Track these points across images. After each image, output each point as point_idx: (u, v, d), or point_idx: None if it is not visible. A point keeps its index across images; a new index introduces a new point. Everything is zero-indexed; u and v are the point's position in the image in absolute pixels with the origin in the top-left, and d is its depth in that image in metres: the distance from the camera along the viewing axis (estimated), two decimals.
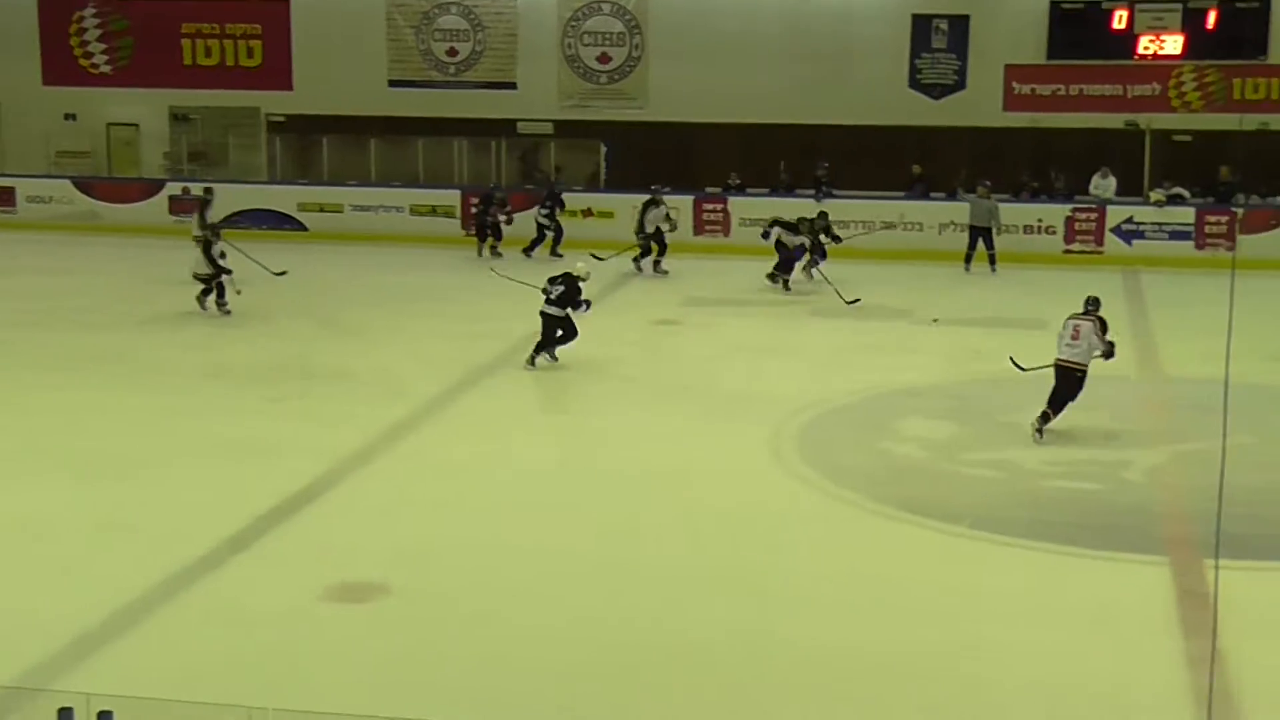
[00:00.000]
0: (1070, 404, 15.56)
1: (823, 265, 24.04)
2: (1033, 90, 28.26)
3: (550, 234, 27.00)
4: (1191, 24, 27.15)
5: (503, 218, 27.17)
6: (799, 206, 26.86)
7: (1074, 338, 15.60)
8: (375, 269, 26.67)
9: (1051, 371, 15.68)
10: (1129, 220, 26.57)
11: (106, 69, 32.96)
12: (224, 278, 21.65)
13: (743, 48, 28.93)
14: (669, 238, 25.32)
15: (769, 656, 10.52)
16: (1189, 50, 27.35)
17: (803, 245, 23.83)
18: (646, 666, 10.22)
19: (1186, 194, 26.75)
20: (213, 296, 21.78)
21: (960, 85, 28.64)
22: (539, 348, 18.69)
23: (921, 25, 28.69)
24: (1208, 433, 13.90)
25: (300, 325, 21.79)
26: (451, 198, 29.39)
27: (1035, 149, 28.06)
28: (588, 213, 27.96)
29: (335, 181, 31.02)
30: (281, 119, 31.96)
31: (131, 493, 13.79)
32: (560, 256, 26.15)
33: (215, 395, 17.74)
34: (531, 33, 30.78)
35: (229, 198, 28.89)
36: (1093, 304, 15.81)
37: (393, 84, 31.42)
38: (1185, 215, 26.40)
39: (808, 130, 28.43)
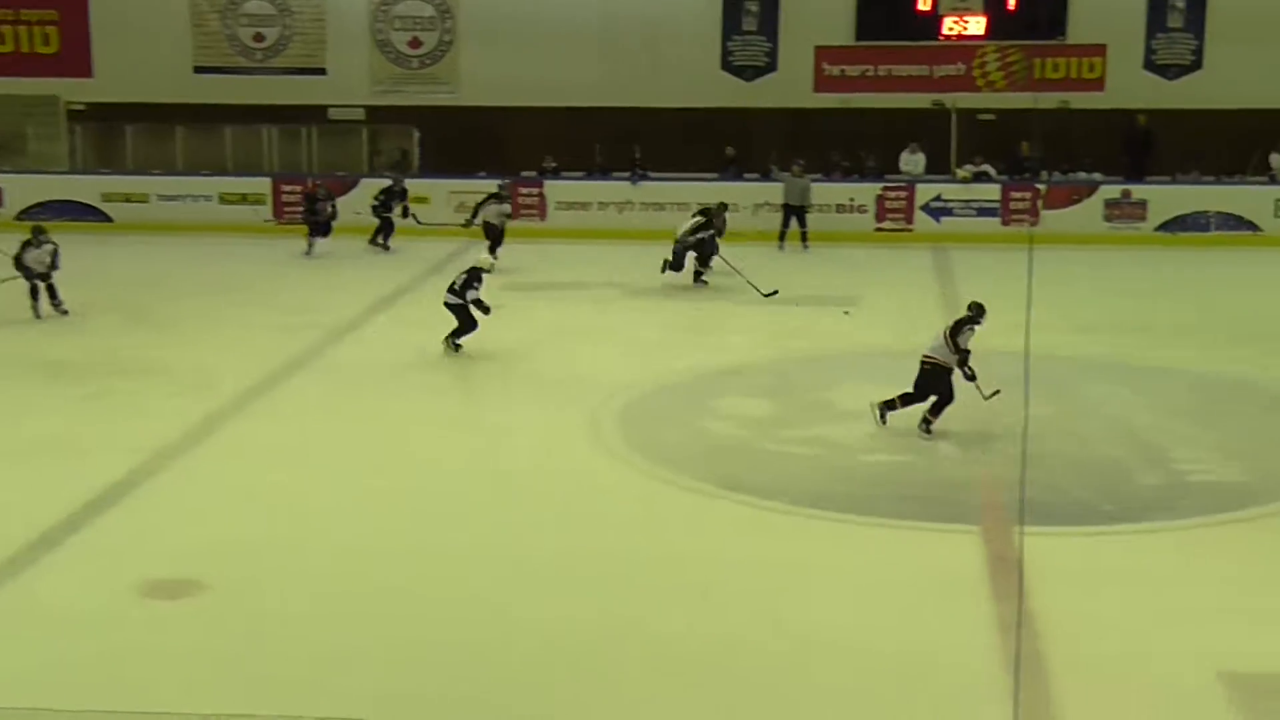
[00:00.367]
0: (941, 402, 15.40)
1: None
2: (842, 71, 28.74)
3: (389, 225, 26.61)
4: (993, 5, 27.84)
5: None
6: (615, 189, 27.14)
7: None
8: (185, 260, 26.27)
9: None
10: (937, 198, 27.21)
11: None
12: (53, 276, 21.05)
13: (555, 32, 28.97)
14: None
15: (592, 637, 10.65)
16: (991, 31, 28.02)
17: (713, 235, 23.44)
18: (472, 652, 10.30)
19: (992, 171, 27.45)
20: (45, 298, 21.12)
21: (771, 67, 29.02)
22: (454, 334, 18.74)
23: (732, 8, 28.99)
24: (1016, 404, 14.36)
25: (109, 320, 21.42)
26: (262, 185, 29.03)
27: (846, 129, 28.51)
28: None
29: (140, 171, 30.37)
30: (82, 107, 31.24)
31: None
32: (380, 245, 26.05)
33: (21, 393, 17.38)
34: (340, 17, 30.48)
35: (29, 189, 28.22)
36: (972, 309, 15.63)
37: (198, 70, 30.88)
38: (991, 192, 27.11)
39: (622, 113, 28.57)
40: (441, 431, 15.96)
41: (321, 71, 30.60)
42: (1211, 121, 27.27)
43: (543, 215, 27.78)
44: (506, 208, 24.56)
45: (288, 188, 28.17)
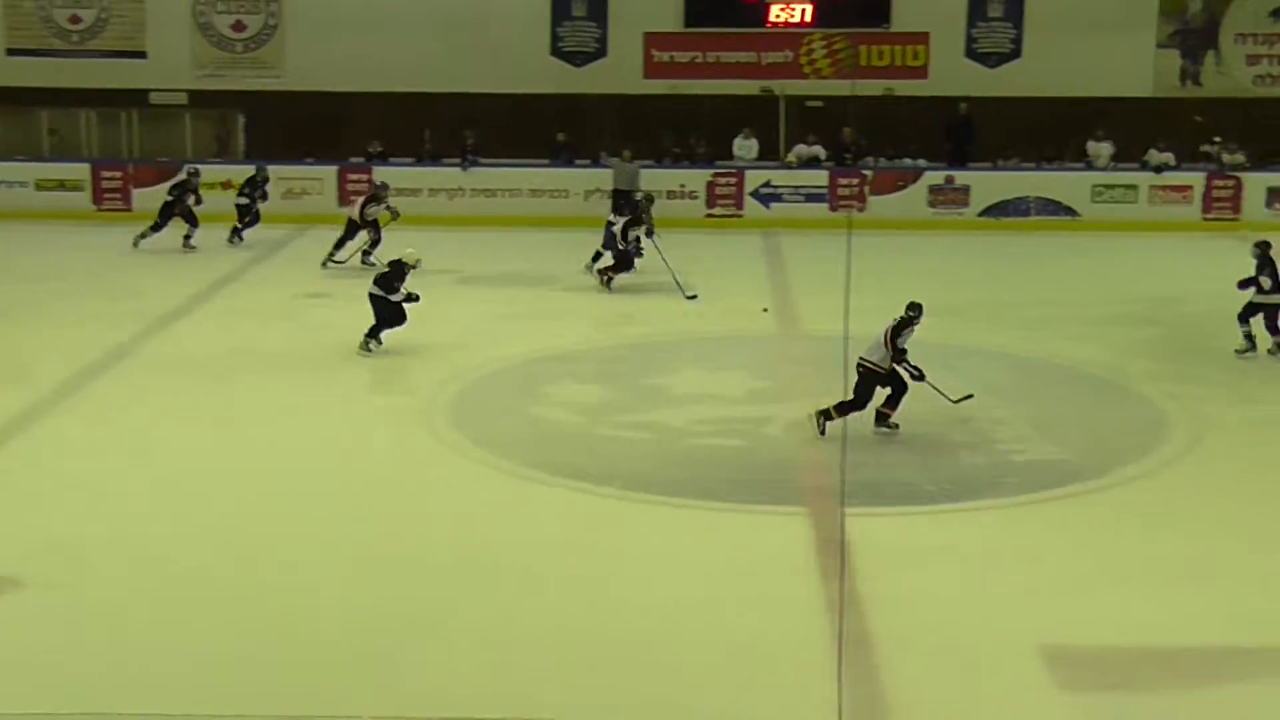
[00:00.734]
0: (898, 393, 15.18)
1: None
2: (672, 58, 28.91)
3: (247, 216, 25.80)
4: None
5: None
6: (446, 175, 27.05)
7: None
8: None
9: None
10: (767, 184, 27.52)
11: None
12: None
13: (383, 16, 28.72)
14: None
15: (426, 625, 10.72)
16: (818, 19, 28.38)
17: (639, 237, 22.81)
18: (304, 641, 10.32)
19: (823, 155, 27.87)
20: None
21: (602, 53, 29.10)
22: (372, 331, 18.33)
23: None
24: (839, 387, 14.65)
25: None
26: (81, 171, 28.38)
27: (676, 115, 28.70)
28: (227, 184, 27.36)
29: None
30: None
31: None
32: (240, 240, 25.58)
33: None
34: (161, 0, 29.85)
35: None
36: (910, 310, 15.46)
37: (11, 52, 30.05)
38: (819, 178, 27.50)
39: (453, 99, 28.43)
40: (268, 420, 15.82)
41: (142, 55, 29.93)
42: (1031, 109, 27.96)
43: None
44: (382, 208, 23.81)
45: (107, 174, 27.56)
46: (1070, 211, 27.24)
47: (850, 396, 14.60)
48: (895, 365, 15.02)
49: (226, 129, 29.93)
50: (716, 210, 27.56)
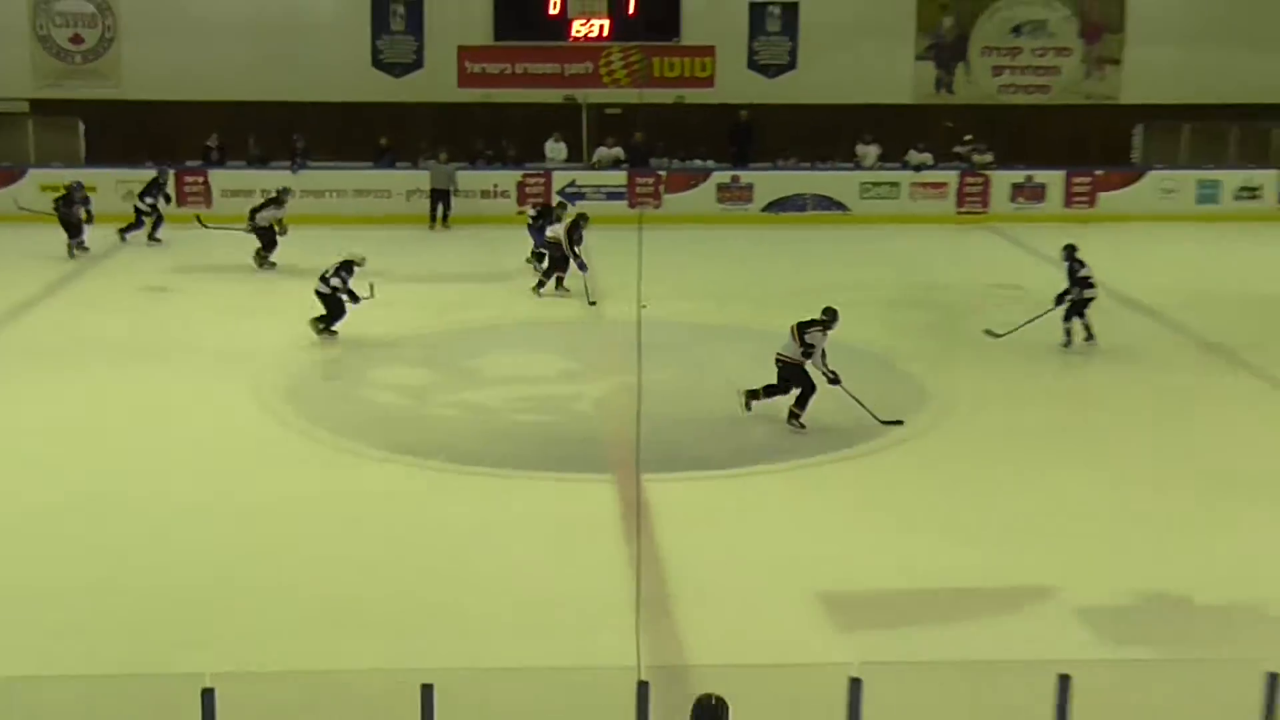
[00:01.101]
0: (805, 394, 14.88)
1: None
2: (483, 69, 28.79)
3: (149, 219, 24.86)
4: (616, 9, 28.26)
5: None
6: (278, 178, 26.61)
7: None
8: None
9: None
10: (572, 184, 27.58)
11: None
12: None
13: (214, 29, 28.09)
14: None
15: (262, 590, 10.65)
16: (615, 33, 28.44)
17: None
18: (151, 608, 10.19)
19: (623, 156, 27.98)
20: None
21: (419, 64, 28.88)
22: (321, 320, 18.07)
23: (380, 8, 28.70)
24: (644, 367, 14.78)
25: None
26: None
27: (488, 121, 28.59)
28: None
29: None
30: None
31: None
32: (158, 240, 24.79)
33: None
34: (0, 13, 28.79)
35: None
36: (826, 314, 15.10)
37: None
38: (619, 178, 27.63)
39: (282, 106, 28.03)
40: (106, 403, 15.52)
41: None
42: (806, 115, 28.38)
43: (209, 202, 26.91)
44: (281, 213, 23.17)
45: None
46: (841, 206, 27.74)
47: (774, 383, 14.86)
48: (811, 365, 14.77)
49: (68, 136, 28.93)
50: (526, 207, 27.48)
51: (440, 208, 26.69)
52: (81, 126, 28.61)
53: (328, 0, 28.87)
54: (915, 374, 17.10)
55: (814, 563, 11.35)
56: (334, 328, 18.11)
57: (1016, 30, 29.43)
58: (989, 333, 18.10)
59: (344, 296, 17.93)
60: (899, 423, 14.99)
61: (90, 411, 15.28)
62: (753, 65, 29.18)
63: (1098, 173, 28.10)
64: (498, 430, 15.03)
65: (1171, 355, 18.02)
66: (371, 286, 17.77)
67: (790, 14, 29.00)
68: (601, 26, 28.35)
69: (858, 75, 28.68)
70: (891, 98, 29.05)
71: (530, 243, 22.06)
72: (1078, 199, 28.00)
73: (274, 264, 22.39)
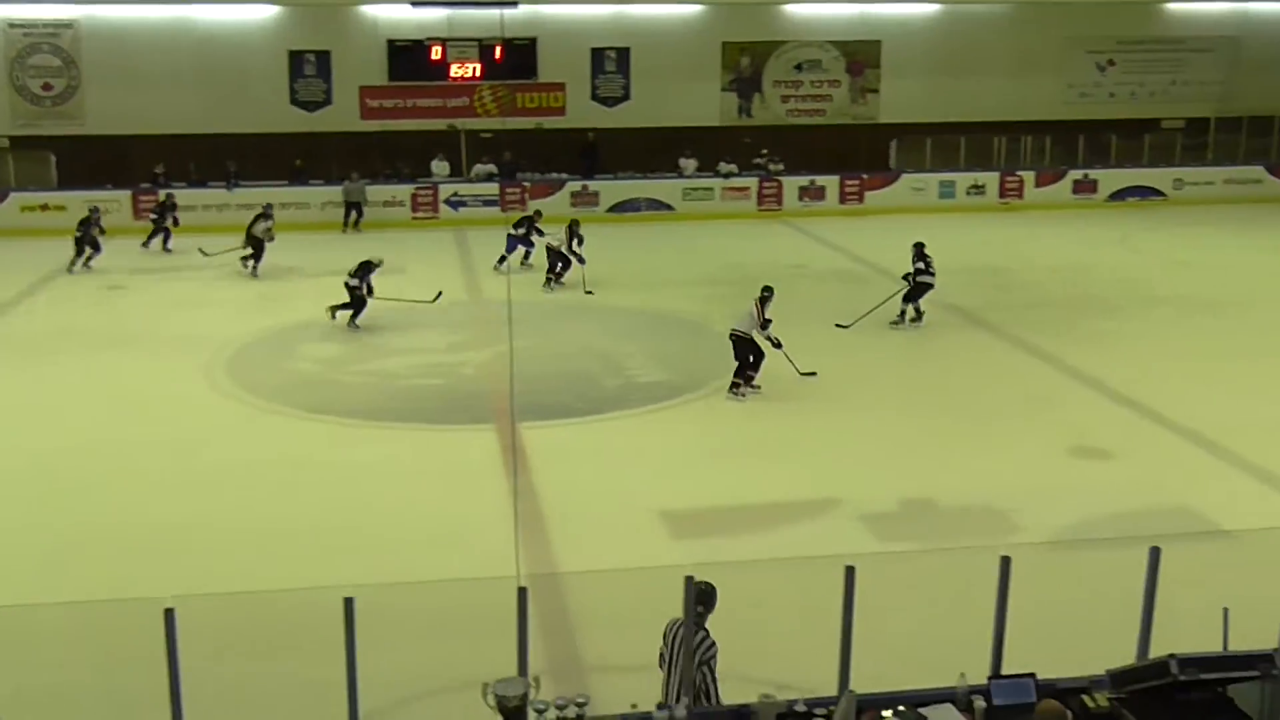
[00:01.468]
0: (758, 360, 14.26)
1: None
2: (380, 104, 28.16)
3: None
4: (485, 56, 27.87)
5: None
6: (215, 195, 25.92)
7: (738, 313, 14.69)
8: None
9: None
10: (455, 195, 27.23)
11: None
12: None
13: (161, 76, 27.01)
14: (267, 247, 22.04)
15: (224, 532, 10.35)
16: (485, 74, 28.01)
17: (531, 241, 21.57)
18: (123, 543, 9.82)
19: (496, 170, 27.67)
20: None
21: (328, 102, 28.15)
22: (341, 308, 17.49)
23: (296, 58, 27.95)
24: (516, 337, 14.62)
25: None
26: None
27: (386, 146, 28.00)
28: (45, 207, 25.61)
29: None
30: None
31: None
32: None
33: None
34: None
35: None
36: (765, 290, 14.54)
37: None
38: (492, 190, 27.30)
39: (216, 138, 27.13)
40: (85, 383, 14.92)
41: None
42: (639, 136, 28.29)
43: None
44: (270, 224, 22.21)
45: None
46: (669, 207, 27.73)
47: (736, 365, 14.20)
48: (759, 334, 14.21)
49: (41, 167, 27.57)
50: (419, 214, 27.09)
51: (353, 215, 26.17)
52: (53, 158, 27.30)
53: (254, 52, 27.90)
54: (724, 333, 17.07)
55: (657, 488, 11.35)
56: (357, 321, 17.48)
57: (799, 67, 29.63)
58: (839, 325, 17.33)
59: (362, 292, 17.46)
60: (813, 374, 14.67)
61: (64, 395, 14.68)
62: (595, 97, 28.98)
63: (864, 176, 28.45)
64: (399, 391, 14.79)
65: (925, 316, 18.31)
66: (439, 294, 17.66)
67: (624, 56, 28.85)
68: (475, 69, 27.93)
69: (678, 104, 28.68)
70: (704, 121, 29.09)
71: (503, 246, 21.05)
72: (850, 197, 28.31)
73: (257, 274, 21.37)
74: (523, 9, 27.50)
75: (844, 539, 9.95)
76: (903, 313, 17.54)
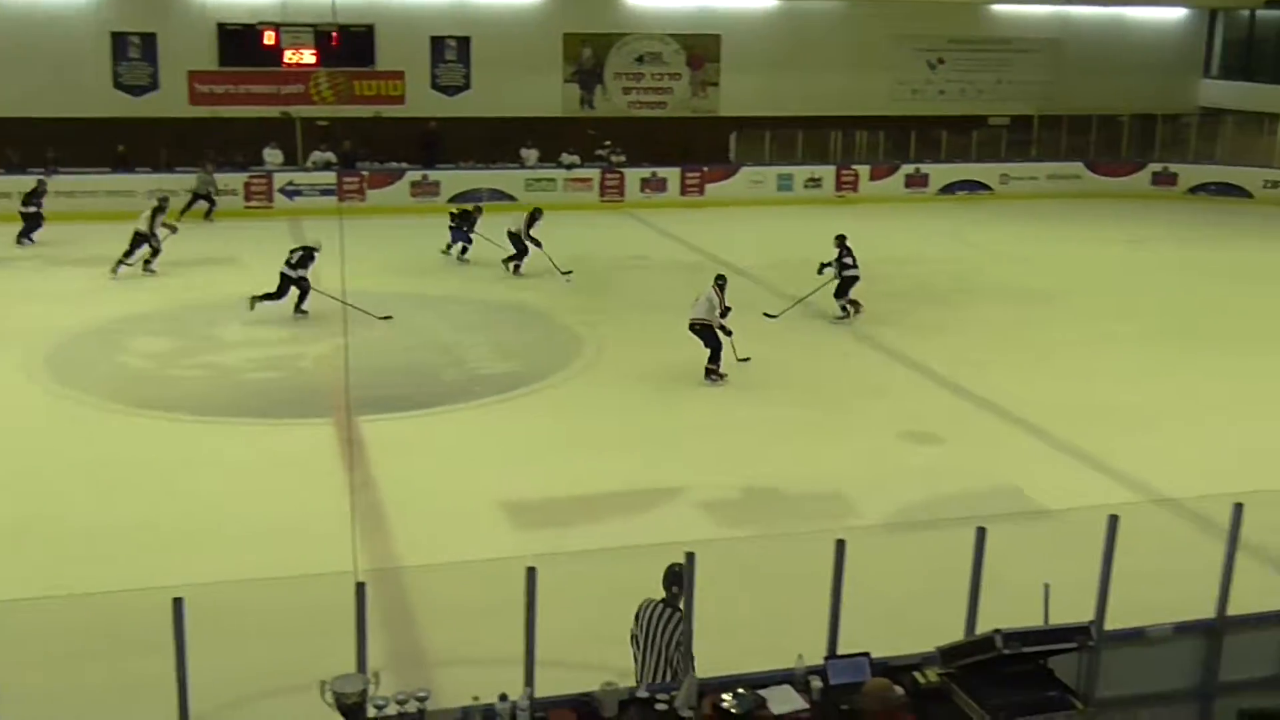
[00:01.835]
0: (720, 348, 14.47)
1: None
2: (210, 89, 27.30)
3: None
4: (321, 42, 27.25)
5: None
6: (31, 182, 24.75)
7: (694, 302, 14.67)
8: None
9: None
10: (290, 184, 26.56)
11: None
12: None
13: None
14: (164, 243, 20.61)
15: (45, 534, 9.93)
16: (321, 61, 27.40)
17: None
18: None
19: (334, 159, 27.08)
20: None
21: (155, 86, 27.14)
22: (264, 298, 17.06)
23: (119, 40, 26.85)
24: (351, 329, 14.41)
25: None
26: None
27: (218, 132, 27.08)
28: None
29: None
30: None
31: None
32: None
33: None
34: None
35: None
36: (718, 278, 14.85)
37: None
38: (330, 178, 26.73)
39: (35, 122, 25.81)
40: None
41: None
42: (481, 126, 28.05)
43: None
44: (164, 215, 20.87)
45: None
46: (511, 198, 27.46)
47: (708, 352, 14.41)
48: (715, 323, 14.41)
49: None
50: (254, 203, 26.34)
51: (204, 205, 25.17)
52: None
53: (73, 32, 26.70)
54: (570, 325, 17.19)
55: (499, 479, 11.31)
56: (304, 306, 17.20)
57: (640, 60, 29.79)
58: (766, 314, 17.40)
59: (295, 277, 17.13)
60: (747, 359, 14.85)
61: None
62: (436, 86, 28.61)
63: (705, 169, 28.77)
64: (234, 386, 14.41)
65: (762, 305, 18.57)
66: (389, 316, 17.01)
67: (464, 46, 28.55)
68: (310, 55, 27.30)
69: (520, 94, 28.54)
70: (546, 112, 29.01)
71: (447, 237, 21.27)
72: (690, 189, 28.61)
73: (154, 270, 20.34)
74: None
75: (686, 527, 10.07)
76: (844, 308, 17.59)
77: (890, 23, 30.12)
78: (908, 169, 29.83)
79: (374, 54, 27.85)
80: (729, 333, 14.59)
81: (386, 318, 16.99)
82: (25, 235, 22.32)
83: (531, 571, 5.73)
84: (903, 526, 10.43)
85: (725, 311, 14.60)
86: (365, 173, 26.96)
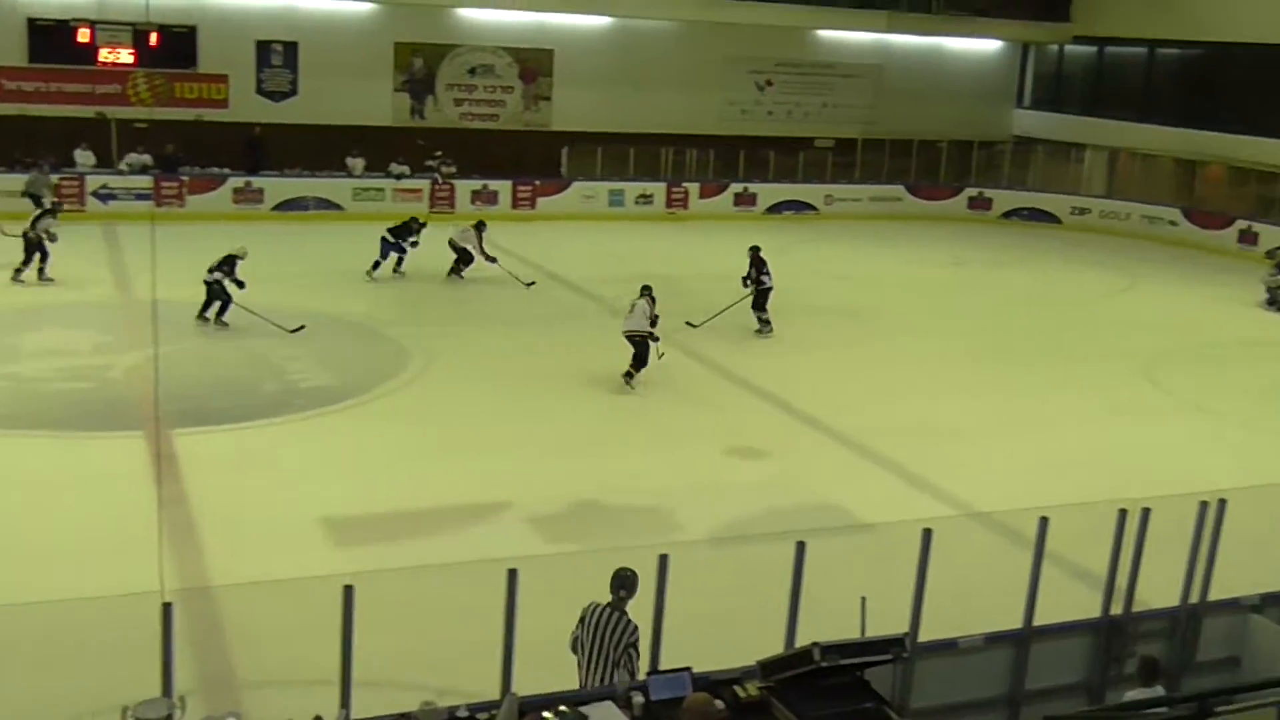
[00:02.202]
0: (647, 359, 14.89)
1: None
2: (19, 87, 26.03)
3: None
4: (140, 42, 26.26)
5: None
6: None
7: (630, 313, 15.03)
8: None
9: None
10: (104, 187, 25.47)
11: None
12: None
13: None
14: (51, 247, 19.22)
15: None
16: (140, 61, 26.41)
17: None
18: None
19: (150, 161, 26.07)
20: None
21: None
22: (208, 308, 16.68)
23: None
24: (166, 339, 13.88)
25: None
26: None
27: (27, 132, 25.87)
28: None
29: None
30: None
31: None
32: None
33: None
34: None
35: None
36: (646, 288, 15.23)
37: None
38: (147, 182, 25.72)
39: None
40: None
41: None
42: (307, 133, 27.40)
43: None
44: (54, 222, 19.28)
45: None
46: (338, 207, 26.99)
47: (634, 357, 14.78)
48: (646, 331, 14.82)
49: None
50: (67, 207, 24.98)
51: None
52: None
53: None
54: (396, 337, 16.91)
55: (319, 494, 11.02)
56: (224, 318, 16.66)
57: (472, 71, 29.56)
58: (689, 324, 17.56)
59: (226, 285, 16.61)
60: (661, 355, 14.99)
61: None
62: (261, 91, 27.85)
63: (536, 183, 28.72)
64: (34, 396, 13.69)
65: (592, 318, 18.63)
66: (302, 327, 16.50)
67: (291, 51, 27.87)
68: (127, 55, 26.27)
69: (349, 102, 27.99)
70: (376, 120, 28.52)
71: (378, 251, 20.70)
72: (522, 202, 28.51)
73: (51, 279, 18.94)
74: None
75: (512, 542, 9.97)
76: (764, 321, 17.97)
77: (721, 44, 30.62)
78: (736, 188, 30.35)
79: (196, 56, 26.99)
80: (657, 339, 14.95)
81: (299, 329, 16.56)
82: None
83: (349, 589, 5.58)
84: (725, 541, 10.53)
85: (655, 320, 15.05)
86: (185, 178, 26.05)
